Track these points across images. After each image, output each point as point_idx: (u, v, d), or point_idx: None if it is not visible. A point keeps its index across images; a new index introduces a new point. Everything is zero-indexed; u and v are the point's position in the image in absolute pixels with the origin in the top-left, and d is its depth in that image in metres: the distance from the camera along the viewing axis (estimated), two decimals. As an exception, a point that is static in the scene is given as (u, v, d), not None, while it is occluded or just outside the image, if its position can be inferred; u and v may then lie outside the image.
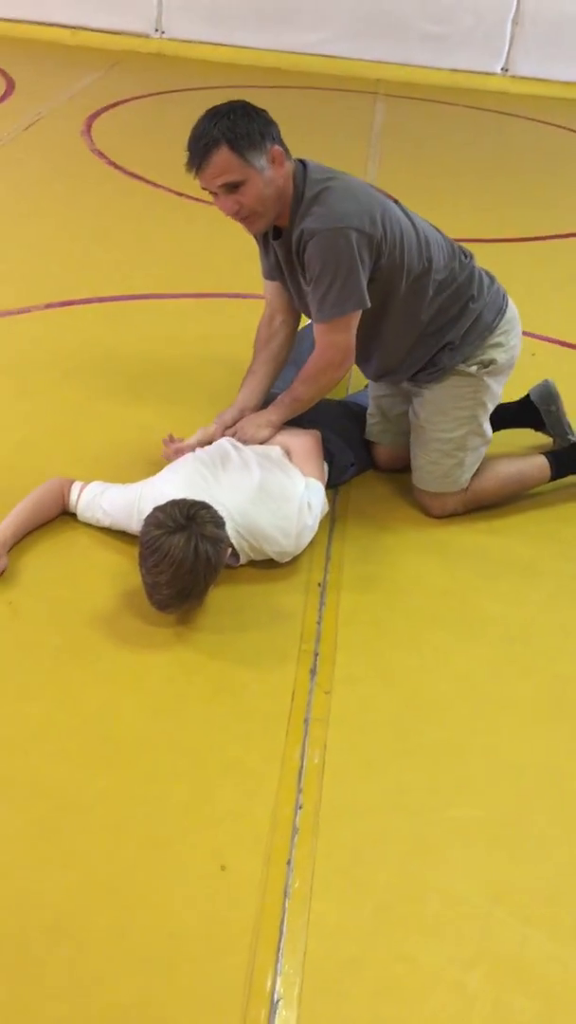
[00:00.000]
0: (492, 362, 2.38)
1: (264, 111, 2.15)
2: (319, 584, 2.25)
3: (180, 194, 4.55)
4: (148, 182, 4.77)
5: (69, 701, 1.88)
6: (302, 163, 2.21)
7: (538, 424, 2.74)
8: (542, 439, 2.78)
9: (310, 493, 2.27)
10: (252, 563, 2.24)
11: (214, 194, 2.16)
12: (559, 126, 6.90)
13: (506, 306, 2.41)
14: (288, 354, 2.54)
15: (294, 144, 2.21)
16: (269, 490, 2.23)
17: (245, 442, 2.38)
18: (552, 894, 1.63)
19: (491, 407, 2.47)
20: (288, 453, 2.38)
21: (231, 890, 1.57)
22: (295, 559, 2.27)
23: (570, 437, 2.72)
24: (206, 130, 2.07)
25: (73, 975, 1.43)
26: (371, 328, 2.31)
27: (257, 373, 2.52)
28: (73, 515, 2.33)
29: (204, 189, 2.16)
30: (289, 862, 1.62)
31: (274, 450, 2.37)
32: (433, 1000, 1.45)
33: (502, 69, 7.62)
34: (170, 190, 4.64)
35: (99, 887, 1.56)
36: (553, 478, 2.62)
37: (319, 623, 2.14)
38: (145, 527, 2.01)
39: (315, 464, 2.38)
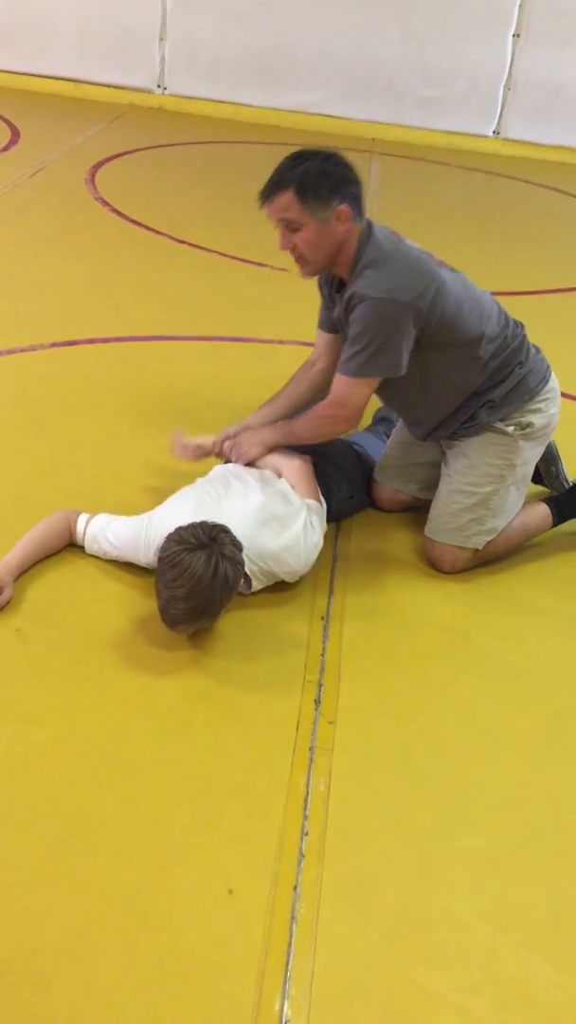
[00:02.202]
0: (529, 425, 2.43)
1: (348, 168, 2.22)
2: (323, 617, 2.29)
3: (181, 241, 4.66)
4: (149, 229, 4.87)
5: (77, 725, 1.90)
6: (370, 226, 2.28)
7: (538, 480, 2.79)
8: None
9: (311, 513, 2.32)
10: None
11: (276, 226, 2.25)
12: (548, 187, 7.11)
13: (549, 376, 2.48)
14: (313, 400, 2.60)
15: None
16: (272, 512, 2.28)
17: (238, 456, 2.47)
18: (555, 922, 1.65)
19: (522, 473, 2.50)
20: (279, 475, 2.44)
21: (239, 914, 1.58)
22: (300, 586, 2.32)
23: (566, 484, 2.78)
24: (283, 170, 2.19)
25: (81, 995, 1.44)
26: (420, 391, 2.38)
27: (275, 403, 2.60)
28: (80, 547, 2.36)
29: (268, 218, 2.25)
30: (296, 887, 1.63)
31: (271, 475, 2.43)
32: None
33: (494, 132, 7.87)
34: (171, 237, 4.73)
35: (107, 908, 1.56)
36: (555, 524, 2.67)
37: (323, 654, 2.17)
38: (166, 543, 2.04)
39: (308, 486, 2.43)
